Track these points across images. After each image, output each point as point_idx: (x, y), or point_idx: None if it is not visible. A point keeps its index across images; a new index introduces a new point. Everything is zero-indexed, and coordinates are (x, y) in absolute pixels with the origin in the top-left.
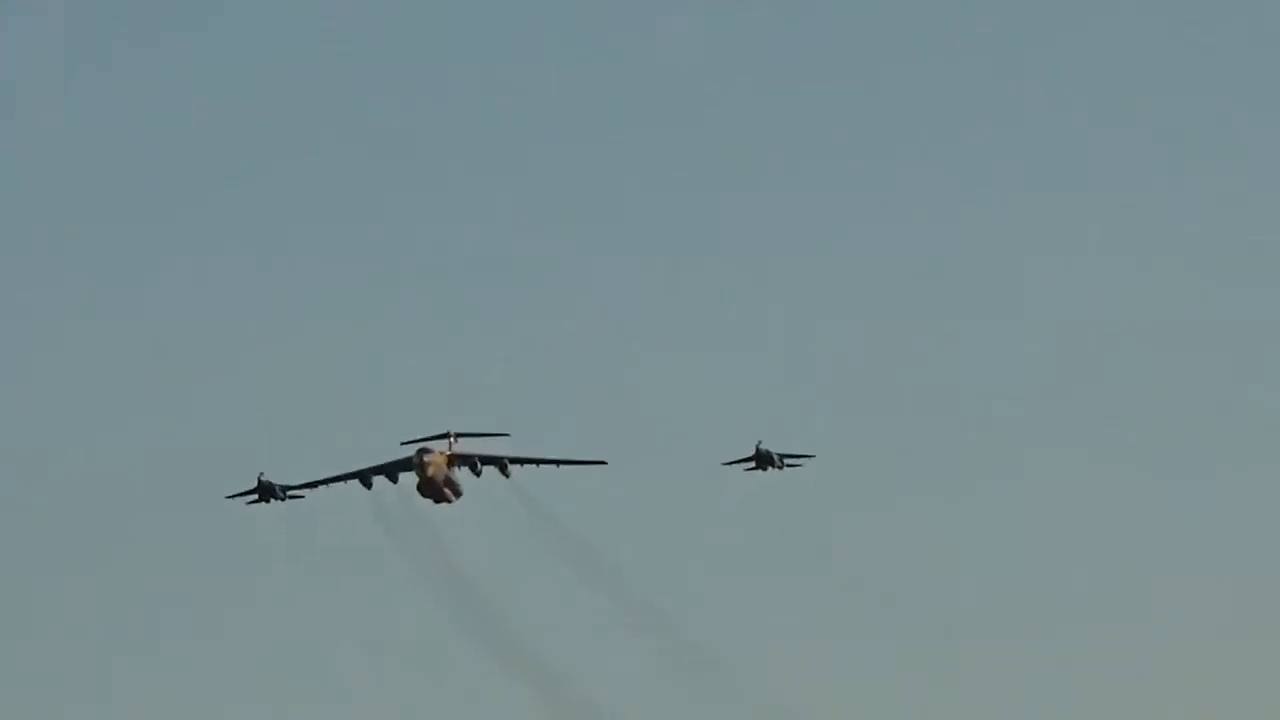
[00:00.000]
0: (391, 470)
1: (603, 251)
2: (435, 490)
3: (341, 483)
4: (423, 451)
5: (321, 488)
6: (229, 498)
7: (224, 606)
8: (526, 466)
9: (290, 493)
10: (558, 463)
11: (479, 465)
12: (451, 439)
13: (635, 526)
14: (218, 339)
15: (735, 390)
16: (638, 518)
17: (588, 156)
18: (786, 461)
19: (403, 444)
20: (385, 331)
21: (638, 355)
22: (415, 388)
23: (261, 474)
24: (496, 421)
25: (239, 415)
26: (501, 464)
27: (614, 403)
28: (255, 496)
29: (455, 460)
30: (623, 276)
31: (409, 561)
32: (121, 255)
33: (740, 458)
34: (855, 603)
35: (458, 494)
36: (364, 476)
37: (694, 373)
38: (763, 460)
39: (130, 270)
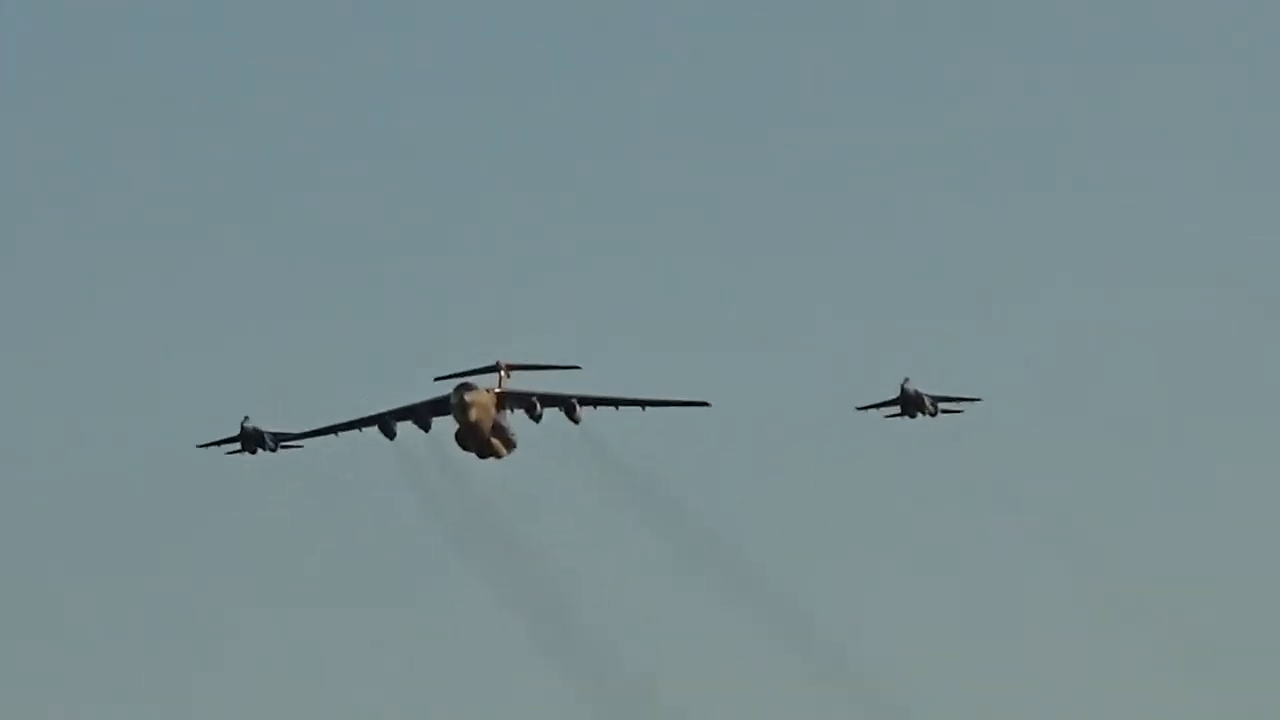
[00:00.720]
0: (422, 413)
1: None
2: (480, 439)
3: (354, 430)
4: (463, 388)
5: (327, 437)
6: (202, 446)
7: (175, 594)
8: (602, 408)
9: (284, 443)
10: (645, 403)
11: (538, 406)
12: (502, 372)
13: (746, 489)
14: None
15: (876, 317)
16: (749, 477)
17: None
18: (941, 406)
19: (437, 380)
20: (415, 245)
21: (748, 272)
22: (458, 314)
23: (246, 419)
24: (562, 352)
25: (225, 347)
26: (569, 404)
27: (719, 331)
28: (237, 446)
29: (507, 400)
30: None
31: (444, 536)
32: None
33: (880, 400)
34: (1029, 591)
35: (510, 445)
36: (384, 422)
37: (819, 294)
38: (910, 404)
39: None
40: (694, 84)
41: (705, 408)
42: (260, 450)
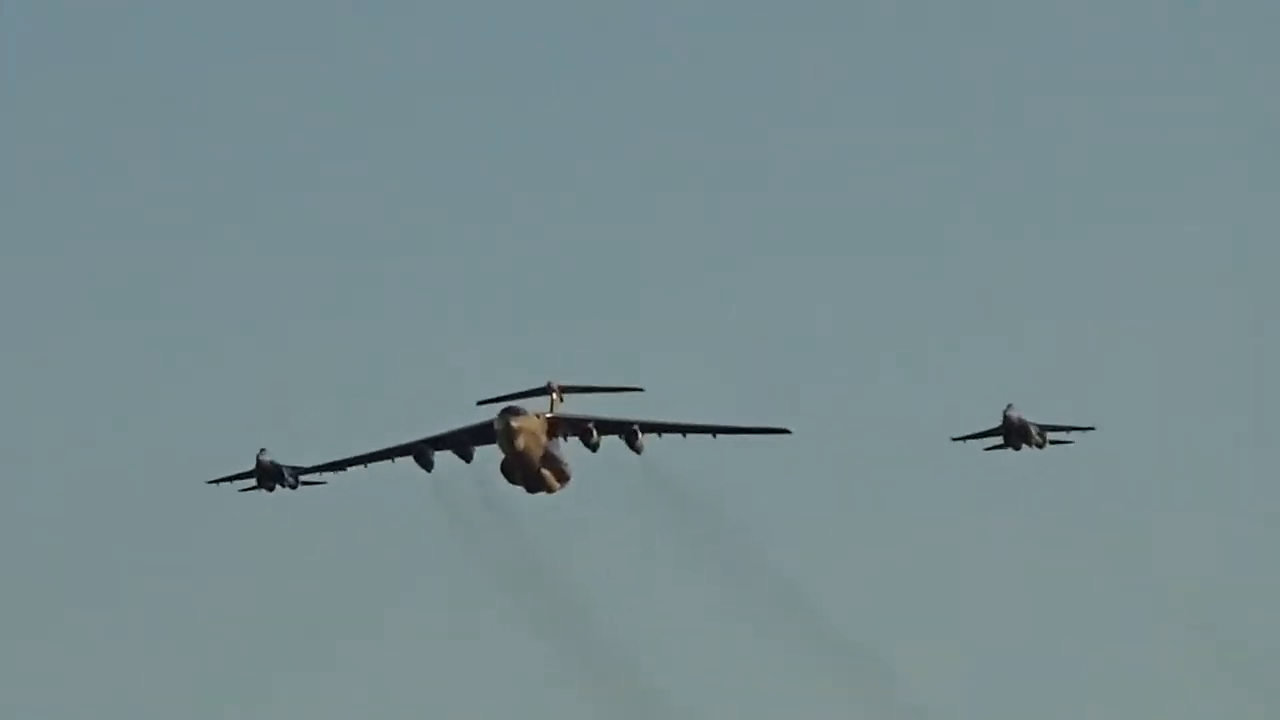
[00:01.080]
0: (463, 441)
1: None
2: (529, 471)
3: (386, 461)
4: (509, 412)
5: (354, 470)
6: (213, 482)
7: (183, 647)
8: (667, 436)
9: (304, 477)
10: (716, 430)
11: (595, 434)
12: (555, 395)
13: (827, 528)
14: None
15: (978, 335)
16: (831, 515)
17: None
18: (1050, 436)
19: (480, 404)
20: (458, 253)
21: (835, 287)
22: (505, 332)
23: (263, 451)
24: (623, 373)
25: (240, 369)
26: (629, 431)
27: (801, 352)
28: (252, 481)
29: (559, 426)
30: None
31: (488, 581)
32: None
33: (981, 430)
34: (1143, 651)
35: (563, 477)
36: (420, 451)
37: (914, 311)
38: (1014, 433)
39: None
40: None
41: (784, 435)
42: (279, 486)
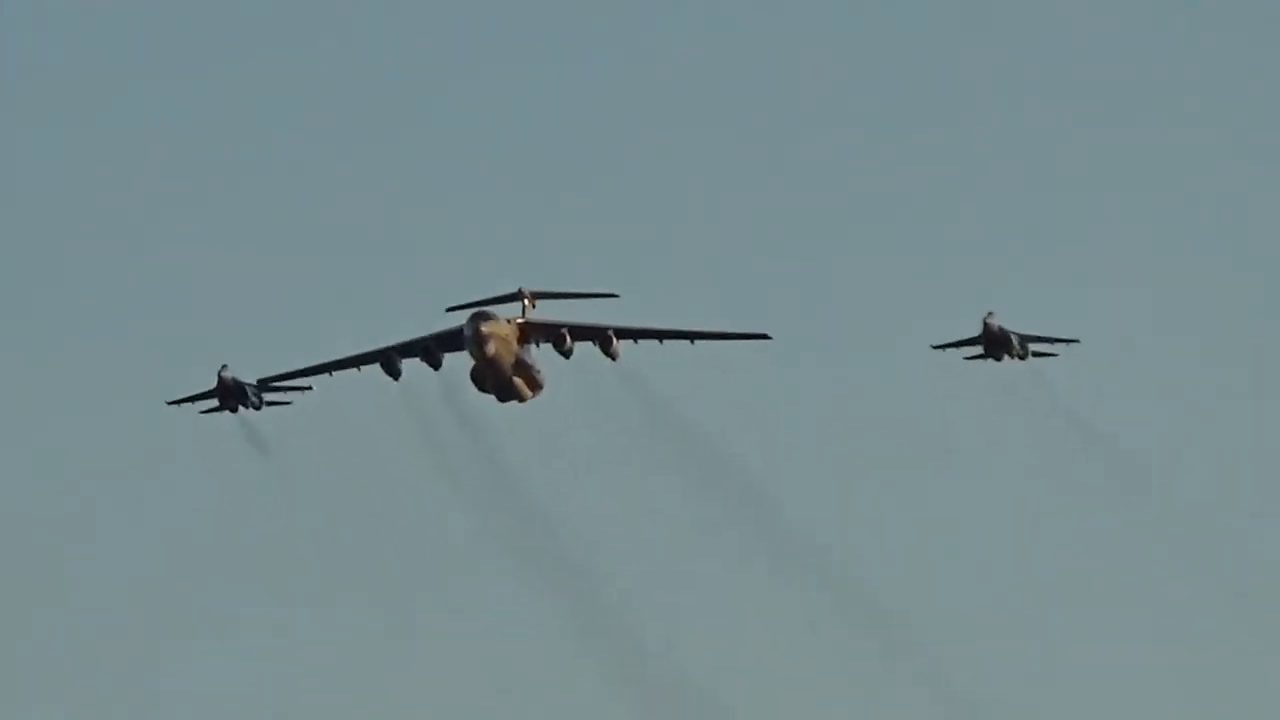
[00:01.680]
0: (431, 347)
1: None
2: (500, 378)
3: (352, 369)
4: (479, 317)
5: (319, 378)
6: (172, 404)
7: (143, 582)
8: (644, 342)
9: (269, 396)
10: (694, 336)
11: (568, 339)
12: (527, 301)
13: (804, 438)
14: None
15: (959, 241)
16: (808, 424)
17: None
18: (1032, 348)
19: (449, 310)
20: (424, 161)
21: (811, 187)
22: (474, 238)
23: (224, 368)
24: (597, 279)
25: (197, 282)
26: (604, 337)
27: (772, 257)
28: (215, 402)
29: (531, 332)
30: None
31: (457, 495)
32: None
33: (961, 339)
34: (1126, 566)
35: (536, 385)
36: (387, 358)
37: (896, 213)
38: (995, 343)
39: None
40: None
41: (764, 340)
42: (242, 408)
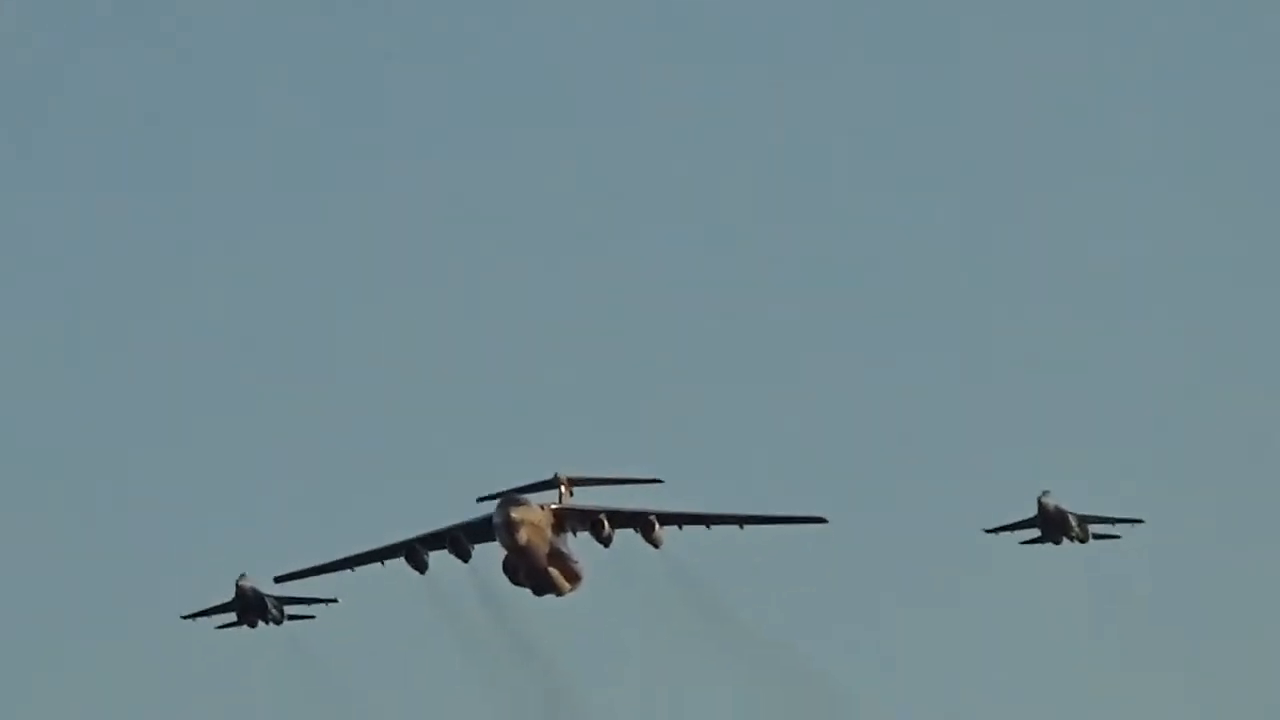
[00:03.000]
0: (459, 537)
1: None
2: (534, 569)
3: (375, 563)
4: (510, 502)
5: (342, 584)
6: (187, 618)
7: None
8: (690, 528)
9: (291, 610)
10: (743, 520)
11: (606, 526)
12: (563, 486)
13: (861, 626)
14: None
15: (1016, 423)
16: (865, 612)
17: None
18: (1092, 529)
19: (479, 501)
20: (450, 342)
21: (862, 374)
22: (508, 424)
23: (243, 577)
24: (639, 465)
25: (205, 477)
26: (645, 522)
27: (826, 443)
28: (233, 616)
29: (567, 519)
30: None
31: (492, 697)
32: None
33: (1015, 521)
34: None
35: (574, 577)
36: (411, 550)
37: (949, 399)
38: (1051, 524)
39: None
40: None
41: (821, 524)
42: (261, 622)
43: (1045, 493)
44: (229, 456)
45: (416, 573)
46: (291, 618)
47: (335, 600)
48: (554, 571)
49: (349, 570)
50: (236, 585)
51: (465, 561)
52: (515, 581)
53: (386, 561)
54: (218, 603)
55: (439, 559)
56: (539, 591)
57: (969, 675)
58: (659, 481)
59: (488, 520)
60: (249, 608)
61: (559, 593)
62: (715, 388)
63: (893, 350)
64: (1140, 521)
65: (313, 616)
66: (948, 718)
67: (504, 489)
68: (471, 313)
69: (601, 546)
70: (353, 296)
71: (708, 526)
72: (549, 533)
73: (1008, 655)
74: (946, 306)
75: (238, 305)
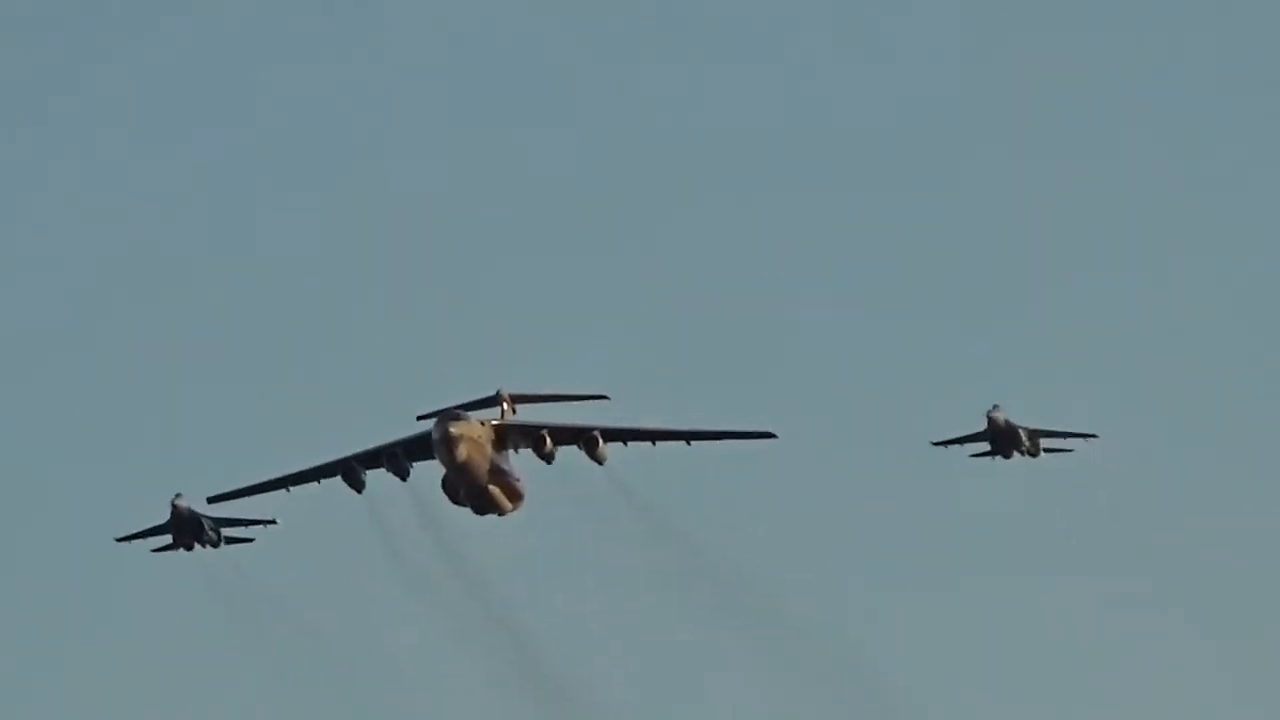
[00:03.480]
0: (397, 454)
1: None
2: (475, 487)
3: (311, 483)
4: (448, 417)
5: (279, 505)
6: (121, 540)
7: None
8: (634, 445)
9: (226, 531)
10: (690, 436)
11: (548, 442)
12: (506, 403)
13: (814, 546)
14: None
15: (965, 332)
16: (818, 530)
17: None
18: (1043, 444)
19: (419, 419)
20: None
21: (813, 285)
22: (449, 337)
23: (178, 496)
24: (585, 381)
25: (140, 389)
26: (589, 438)
27: (770, 349)
28: (168, 538)
29: (509, 436)
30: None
31: (430, 618)
32: None
33: (964, 434)
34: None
35: (515, 496)
36: (348, 468)
37: (896, 306)
38: (1002, 437)
39: None
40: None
41: (769, 440)
42: (199, 543)
43: (995, 407)
44: (163, 372)
45: (354, 492)
46: (229, 540)
47: (274, 522)
48: (495, 490)
49: (284, 490)
50: (172, 505)
51: (404, 480)
52: (455, 500)
53: (323, 481)
54: (152, 524)
55: (377, 478)
56: (480, 511)
57: (917, 592)
58: (605, 398)
59: (426, 436)
60: (185, 529)
61: (500, 512)
62: (666, 303)
63: (846, 260)
64: (1093, 436)
65: (251, 539)
66: (894, 634)
67: (444, 407)
68: (415, 221)
69: (544, 463)
70: (295, 205)
71: (653, 443)
72: (489, 449)
73: (956, 570)
74: (903, 214)
75: (176, 213)
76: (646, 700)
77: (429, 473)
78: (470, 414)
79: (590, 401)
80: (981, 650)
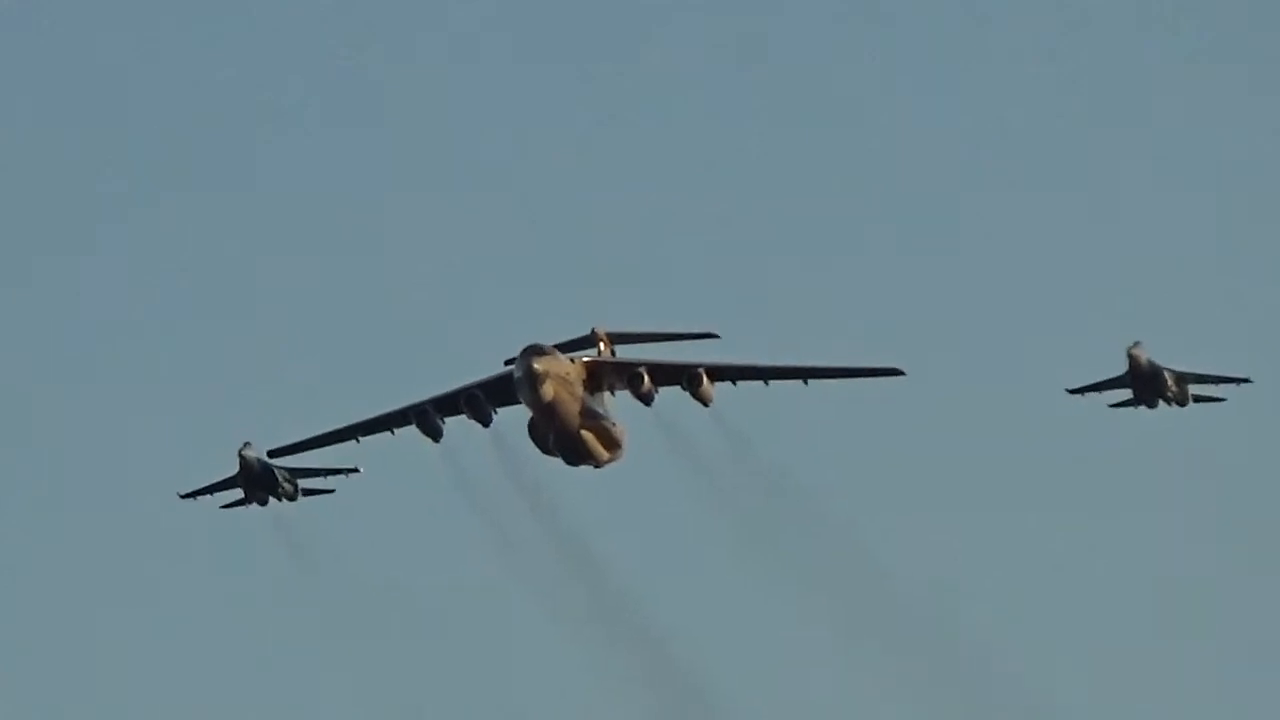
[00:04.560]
0: (478, 397)
1: None
2: (565, 432)
3: (384, 432)
4: (532, 351)
5: (345, 447)
6: (186, 497)
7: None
8: (744, 384)
9: (303, 483)
10: (806, 374)
11: (646, 381)
12: (602, 343)
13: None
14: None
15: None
16: (950, 480)
17: None
18: (1192, 390)
19: (507, 363)
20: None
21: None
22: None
23: (246, 446)
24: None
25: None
26: (693, 375)
27: (893, 286)
28: (239, 493)
29: (602, 373)
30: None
31: (520, 580)
32: None
33: (1103, 380)
34: None
35: (612, 443)
36: (423, 414)
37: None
38: (1144, 381)
39: None
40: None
41: (899, 376)
42: (272, 498)
43: (1136, 344)
44: (227, 316)
45: (431, 441)
46: (307, 492)
47: (356, 470)
48: (588, 436)
49: (354, 441)
50: (239, 456)
51: (485, 426)
52: (544, 449)
53: (396, 430)
54: (219, 478)
55: (456, 426)
56: (572, 460)
57: (1048, 553)
58: (714, 336)
59: (509, 376)
60: (255, 482)
61: (596, 462)
62: (778, 240)
63: (974, 195)
64: (1248, 381)
65: (331, 490)
66: (1021, 596)
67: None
68: (510, 161)
69: (643, 405)
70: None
71: (766, 382)
72: (580, 389)
73: (1092, 532)
74: (1033, 151)
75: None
76: (749, 664)
77: (515, 419)
78: (560, 354)
79: (698, 341)
80: (1115, 621)
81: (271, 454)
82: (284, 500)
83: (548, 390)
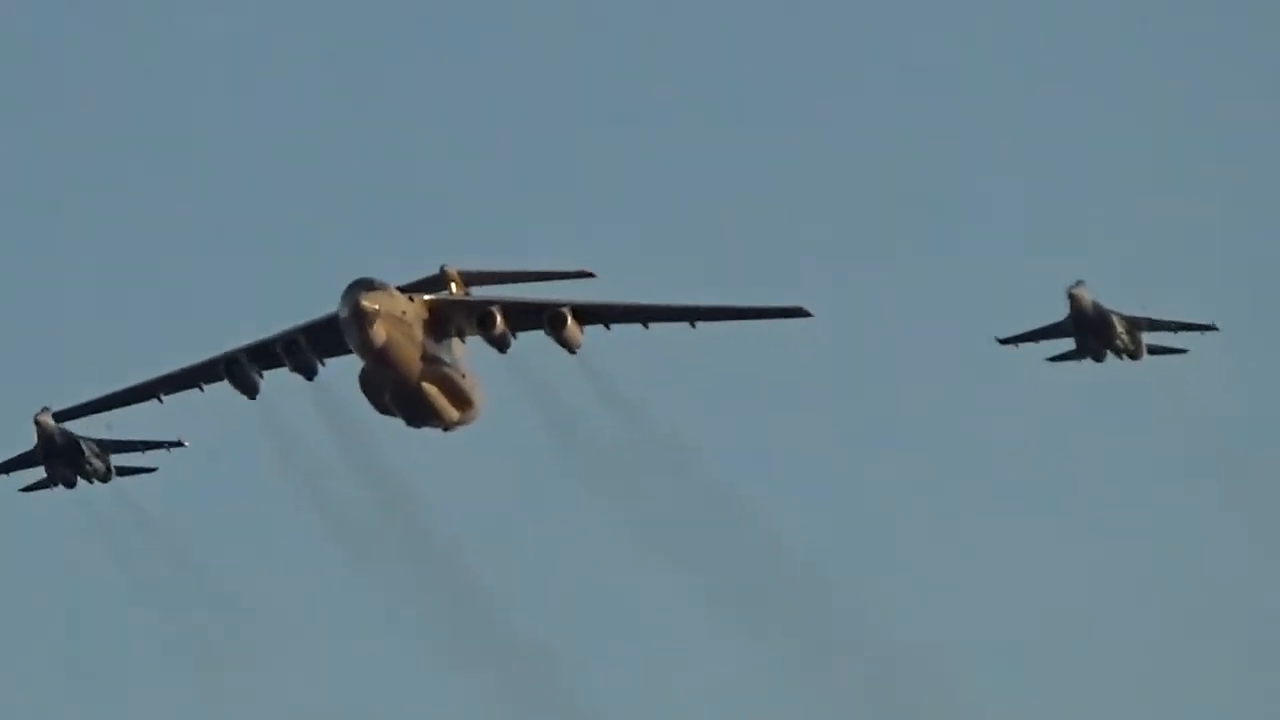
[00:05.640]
0: (299, 343)
1: None
2: (403, 384)
3: (190, 389)
4: (360, 286)
5: (141, 409)
6: None
7: None
8: (620, 328)
9: (116, 459)
10: (696, 316)
11: (499, 322)
12: (454, 285)
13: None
14: None
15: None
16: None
17: None
18: (1147, 340)
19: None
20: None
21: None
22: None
23: (43, 411)
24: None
25: None
26: (555, 314)
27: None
28: (40, 472)
29: (447, 313)
30: None
31: (348, 564)
32: None
33: (1039, 327)
34: None
35: (462, 400)
36: (235, 365)
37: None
38: (1090, 327)
39: None
40: None
41: (805, 318)
42: (81, 478)
43: (1079, 283)
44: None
45: (245, 397)
46: (122, 471)
47: (181, 444)
48: (430, 389)
49: (156, 400)
50: (36, 423)
51: (309, 379)
52: (380, 407)
53: (206, 386)
54: (14, 454)
55: (276, 379)
56: (414, 420)
57: (969, 525)
58: (589, 275)
59: (335, 317)
60: (57, 455)
61: (443, 423)
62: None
63: (883, 118)
64: (1213, 329)
65: (154, 469)
66: (931, 567)
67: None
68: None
69: (497, 352)
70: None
71: (646, 325)
72: (420, 332)
73: (1026, 506)
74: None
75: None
76: (620, 661)
77: (346, 370)
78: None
79: (571, 281)
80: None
81: (57, 417)
82: (94, 481)
83: (379, 332)
